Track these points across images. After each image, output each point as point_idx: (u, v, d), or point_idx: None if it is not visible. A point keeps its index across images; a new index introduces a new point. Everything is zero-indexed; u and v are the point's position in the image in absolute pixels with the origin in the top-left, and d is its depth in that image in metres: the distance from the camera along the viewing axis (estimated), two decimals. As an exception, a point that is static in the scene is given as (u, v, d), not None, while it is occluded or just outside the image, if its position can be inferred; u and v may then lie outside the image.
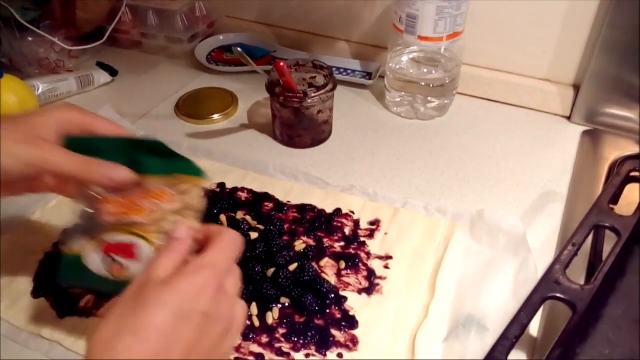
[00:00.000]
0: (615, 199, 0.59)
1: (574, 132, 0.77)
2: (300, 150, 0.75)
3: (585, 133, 0.77)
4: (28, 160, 0.42)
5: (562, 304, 0.47)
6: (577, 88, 0.79)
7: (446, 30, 0.72)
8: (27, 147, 0.42)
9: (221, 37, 0.98)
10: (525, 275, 0.54)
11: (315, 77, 0.76)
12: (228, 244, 0.41)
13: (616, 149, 0.72)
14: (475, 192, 0.68)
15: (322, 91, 0.71)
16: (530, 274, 0.54)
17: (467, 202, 0.66)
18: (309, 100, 0.71)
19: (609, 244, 0.55)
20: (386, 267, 0.58)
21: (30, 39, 0.88)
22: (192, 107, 0.83)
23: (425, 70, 0.79)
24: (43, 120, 0.45)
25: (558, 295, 0.46)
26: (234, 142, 0.77)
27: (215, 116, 0.82)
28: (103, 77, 0.89)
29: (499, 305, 0.52)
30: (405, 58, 0.80)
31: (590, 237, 0.54)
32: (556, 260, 0.49)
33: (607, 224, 0.53)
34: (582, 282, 0.51)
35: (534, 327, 0.51)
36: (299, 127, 0.74)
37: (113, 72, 0.90)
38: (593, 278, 0.48)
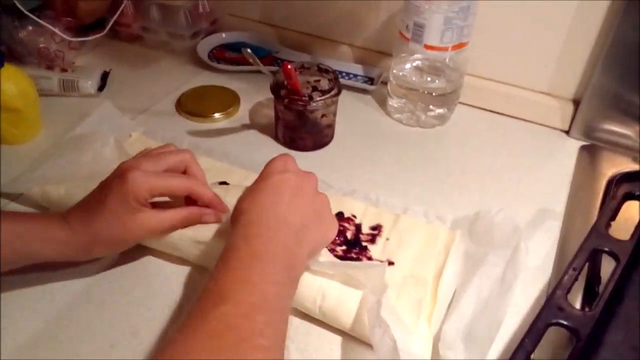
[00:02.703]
0: (613, 216, 0.60)
1: (572, 146, 0.78)
2: (301, 153, 0.75)
3: (583, 148, 0.78)
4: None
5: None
6: (576, 103, 0.80)
7: (452, 41, 0.72)
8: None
9: (224, 35, 0.98)
10: (515, 261, 0.54)
11: (319, 81, 0.76)
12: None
13: (613, 165, 0.73)
14: (474, 202, 0.68)
15: (328, 95, 0.71)
16: (520, 257, 0.54)
17: (467, 212, 0.66)
18: (314, 104, 0.71)
19: (605, 265, 0.56)
20: (388, 273, 0.58)
21: (30, 28, 0.86)
22: (194, 104, 0.83)
23: (429, 79, 0.79)
24: None
25: (561, 321, 0.46)
26: (235, 141, 0.77)
27: (217, 115, 0.81)
28: (91, 87, 0.84)
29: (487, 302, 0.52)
30: (409, 65, 0.80)
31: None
32: (558, 285, 0.49)
33: (605, 249, 0.54)
34: (578, 305, 0.51)
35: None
36: (301, 130, 0.74)
37: (101, 87, 0.86)
38: (594, 304, 0.48)
